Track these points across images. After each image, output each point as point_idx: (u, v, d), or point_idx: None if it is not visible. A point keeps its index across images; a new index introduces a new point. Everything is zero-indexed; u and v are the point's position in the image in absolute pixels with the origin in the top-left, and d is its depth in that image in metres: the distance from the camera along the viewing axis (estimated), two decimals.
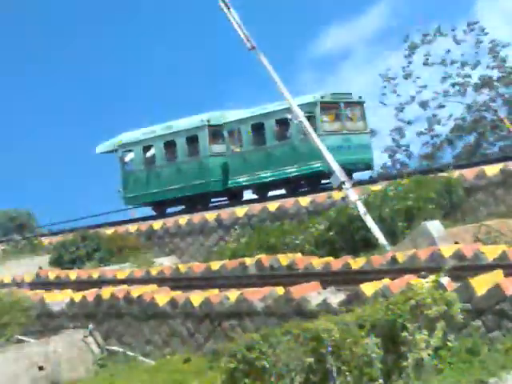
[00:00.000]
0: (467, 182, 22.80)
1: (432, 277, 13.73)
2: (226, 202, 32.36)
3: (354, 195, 21.87)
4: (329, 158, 22.74)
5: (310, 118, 28.60)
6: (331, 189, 24.13)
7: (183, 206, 33.16)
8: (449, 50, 43.03)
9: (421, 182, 22.86)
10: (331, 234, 22.25)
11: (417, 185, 22.70)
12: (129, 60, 79.98)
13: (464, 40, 42.81)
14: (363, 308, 12.78)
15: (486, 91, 42.37)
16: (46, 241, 33.24)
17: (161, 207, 33.72)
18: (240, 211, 27.65)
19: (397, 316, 12.16)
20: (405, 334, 12.04)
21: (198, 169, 32.01)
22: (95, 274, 23.26)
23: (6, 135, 76.31)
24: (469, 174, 23.14)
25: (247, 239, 24.53)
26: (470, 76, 42.80)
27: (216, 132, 31.95)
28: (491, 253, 16.79)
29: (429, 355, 12.04)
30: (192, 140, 32.26)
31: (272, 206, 26.78)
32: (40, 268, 27.00)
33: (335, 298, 15.53)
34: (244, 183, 31.09)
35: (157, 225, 30.00)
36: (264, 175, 30.41)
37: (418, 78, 43.55)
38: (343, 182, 22.01)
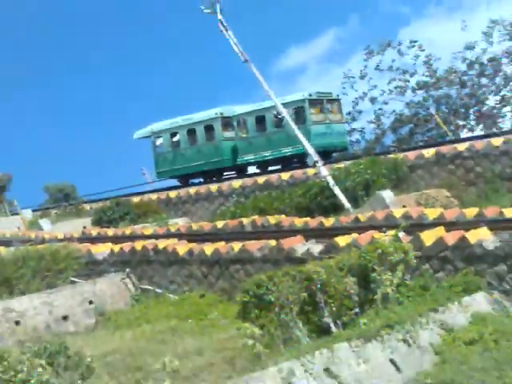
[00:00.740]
0: (410, 161, 22.77)
1: (390, 231, 13.75)
2: (231, 176, 32.35)
3: (325, 171, 21.80)
4: (305, 142, 22.63)
5: (301, 111, 28.91)
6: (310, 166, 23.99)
7: (202, 179, 33.18)
8: (394, 60, 42.90)
9: (375, 161, 22.89)
10: (307, 200, 22.23)
11: (372, 163, 22.73)
12: (158, 70, 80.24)
13: (406, 53, 42.67)
14: (341, 255, 12.71)
15: (420, 93, 42.34)
16: (87, 207, 33.00)
17: (185, 179, 33.66)
18: (236, 184, 27.49)
19: (367, 261, 12.06)
20: (374, 274, 11.96)
21: (214, 150, 32.04)
22: (128, 231, 23.02)
23: (63, 127, 76.13)
24: (411, 155, 23.13)
25: (243, 204, 24.46)
26: (408, 81, 42.69)
27: (227, 122, 32.06)
28: (431, 214, 16.78)
29: (392, 290, 11.95)
30: (208, 128, 32.33)
31: (260, 180, 26.62)
32: (84, 227, 26.75)
33: (316, 248, 15.40)
34: (249, 161, 31.17)
35: (172, 194, 29.78)
36: (265, 154, 30.48)
37: (370, 78, 43.40)
38: (316, 161, 21.95)
